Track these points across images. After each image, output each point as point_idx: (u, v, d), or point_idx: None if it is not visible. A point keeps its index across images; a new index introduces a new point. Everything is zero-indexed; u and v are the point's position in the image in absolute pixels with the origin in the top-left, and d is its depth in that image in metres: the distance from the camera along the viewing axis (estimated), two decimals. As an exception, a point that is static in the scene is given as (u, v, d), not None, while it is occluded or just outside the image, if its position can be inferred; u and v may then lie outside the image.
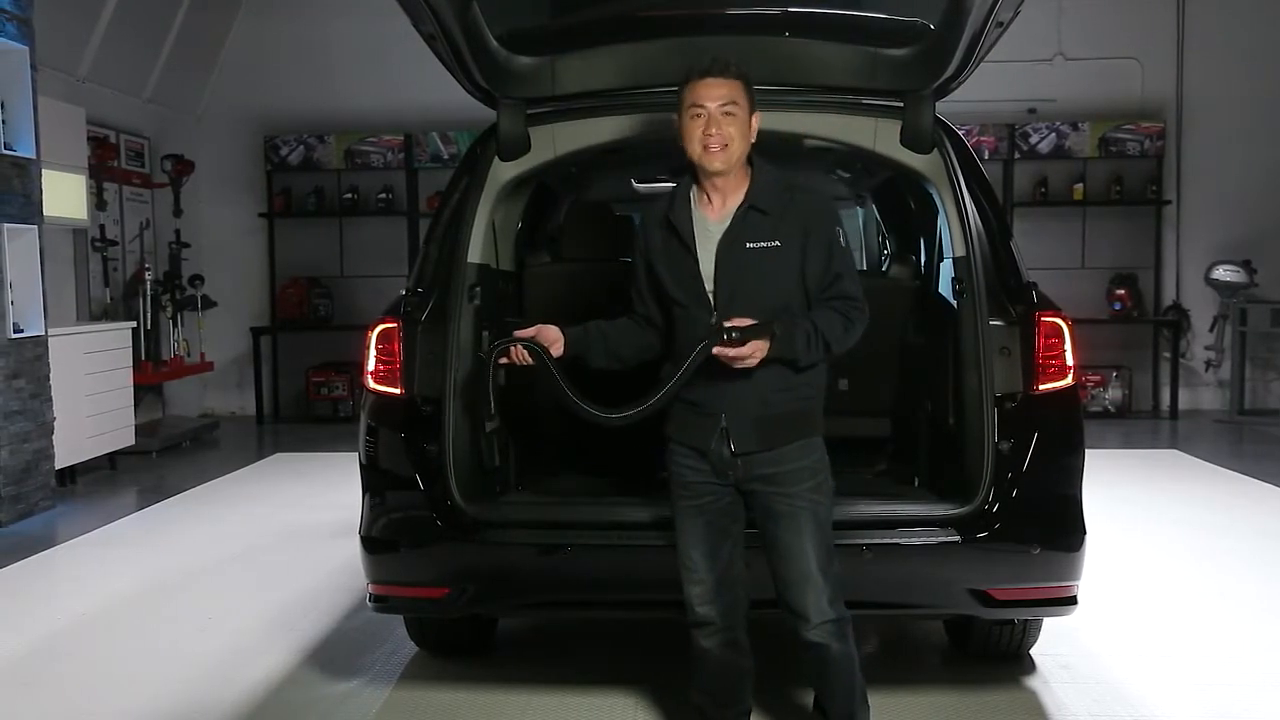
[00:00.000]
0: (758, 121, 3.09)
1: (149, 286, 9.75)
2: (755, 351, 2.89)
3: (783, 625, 3.12)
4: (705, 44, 3.83)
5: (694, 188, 3.13)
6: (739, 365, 2.90)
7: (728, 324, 2.89)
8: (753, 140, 3.08)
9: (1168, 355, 11.02)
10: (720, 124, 2.99)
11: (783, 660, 3.60)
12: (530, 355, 3.10)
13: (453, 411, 3.65)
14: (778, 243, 3.00)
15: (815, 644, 3.05)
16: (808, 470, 3.07)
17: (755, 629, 3.28)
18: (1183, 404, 10.92)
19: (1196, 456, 8.67)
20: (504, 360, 3.16)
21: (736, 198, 3.06)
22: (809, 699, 3.39)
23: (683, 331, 3.09)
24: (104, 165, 9.44)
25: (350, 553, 4.01)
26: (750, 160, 3.10)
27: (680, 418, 3.14)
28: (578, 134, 3.93)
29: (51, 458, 7.26)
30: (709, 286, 3.03)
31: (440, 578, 3.65)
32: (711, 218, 3.08)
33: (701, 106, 3.00)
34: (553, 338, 3.14)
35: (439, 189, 7.08)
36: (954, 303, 3.75)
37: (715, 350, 2.89)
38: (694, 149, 3.03)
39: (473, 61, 3.66)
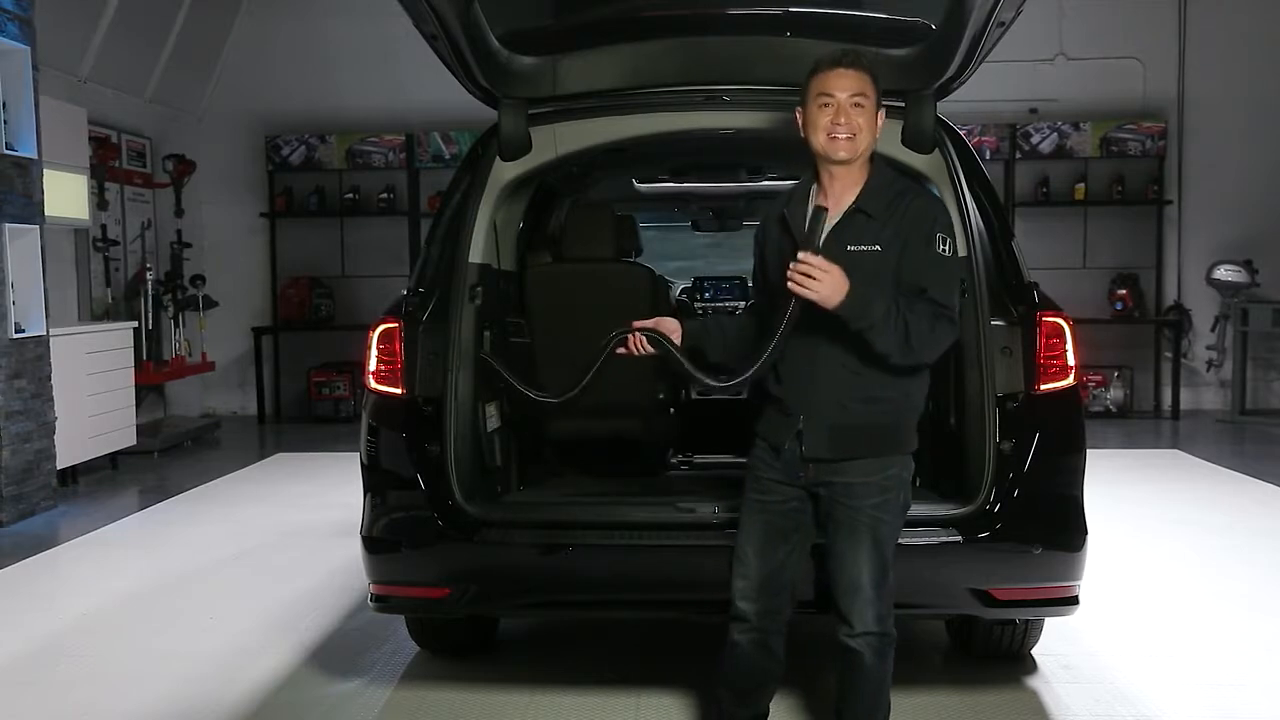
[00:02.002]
0: (882, 119, 3.07)
1: (150, 286, 9.76)
2: (829, 271, 2.75)
3: (814, 631, 3.11)
4: (707, 44, 3.84)
5: (814, 185, 3.11)
6: (808, 289, 2.76)
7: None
8: (876, 135, 3.04)
9: (1169, 355, 11.02)
10: (849, 114, 2.96)
11: (810, 669, 3.60)
12: (651, 344, 3.15)
13: (454, 411, 3.66)
14: (879, 247, 2.96)
15: (852, 650, 3.04)
16: (876, 487, 3.03)
17: (790, 635, 3.26)
18: (1184, 404, 10.92)
19: (1198, 456, 8.67)
20: (621, 350, 3.19)
21: (850, 196, 3.03)
22: (828, 715, 3.37)
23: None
24: (105, 165, 9.44)
25: (352, 553, 4.01)
26: (872, 160, 3.08)
27: (766, 414, 3.16)
28: (579, 134, 3.93)
29: (53, 458, 7.26)
30: None
31: (442, 578, 3.65)
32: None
33: (830, 95, 2.97)
34: (671, 329, 3.19)
35: (440, 189, 7.11)
36: (955, 303, 3.75)
37: (799, 258, 2.77)
38: (819, 138, 2.99)
39: (474, 61, 3.66)
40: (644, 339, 3.15)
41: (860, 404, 3.01)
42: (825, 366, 3.00)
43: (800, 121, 3.07)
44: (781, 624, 3.20)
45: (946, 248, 2.99)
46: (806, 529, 3.16)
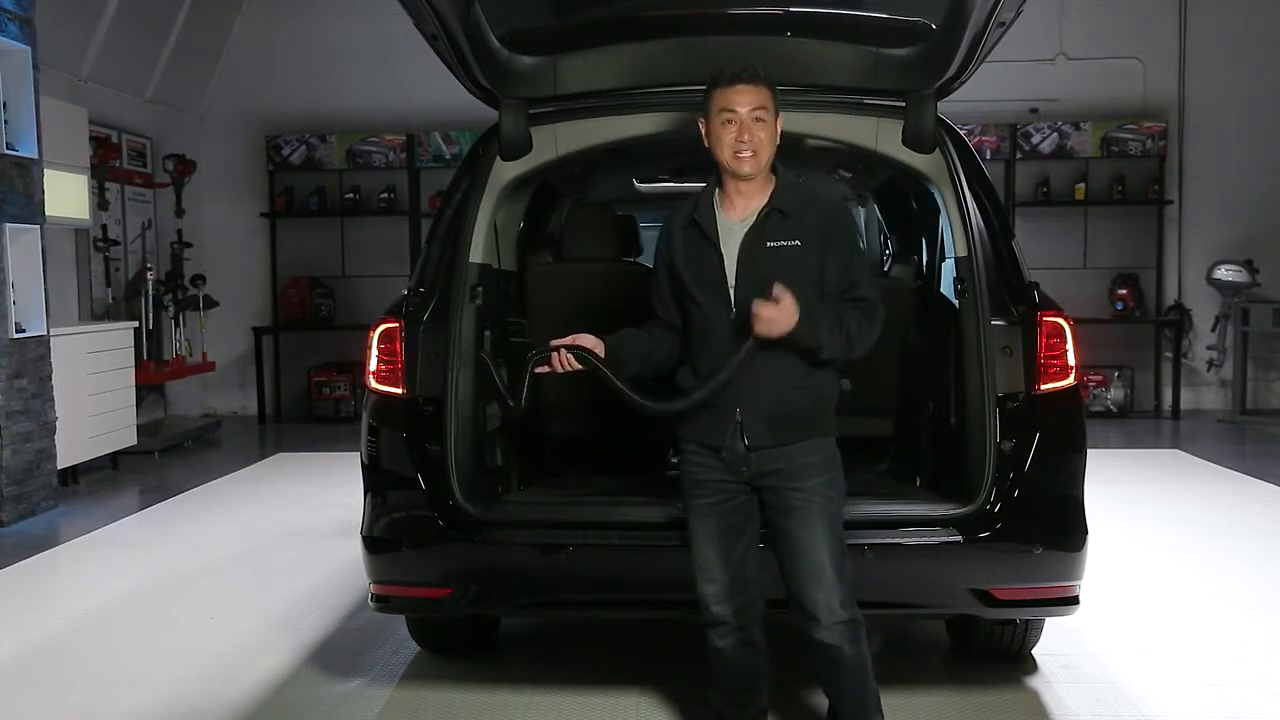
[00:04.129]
0: (781, 124, 3.14)
1: (151, 286, 9.75)
2: (788, 308, 2.88)
3: (797, 626, 3.12)
4: (707, 44, 3.84)
5: (717, 191, 3.17)
6: (770, 327, 2.90)
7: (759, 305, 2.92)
8: (777, 143, 3.11)
9: (1169, 355, 11.01)
10: (751, 129, 3.04)
11: (799, 662, 3.60)
12: (577, 360, 3.13)
13: (454, 411, 3.66)
14: (798, 242, 3.05)
15: (827, 645, 3.05)
16: (819, 466, 3.09)
17: (771, 630, 3.27)
18: (1184, 404, 10.91)
19: (1198, 456, 8.67)
20: (543, 369, 3.17)
21: (760, 200, 3.11)
22: (824, 702, 3.37)
23: (700, 332, 3.12)
24: (106, 165, 9.44)
25: (352, 552, 4.02)
26: (774, 167, 3.14)
27: (693, 417, 3.16)
28: (579, 134, 3.93)
29: (54, 457, 7.26)
30: (730, 283, 3.07)
31: (442, 577, 3.65)
32: (734, 219, 3.12)
33: (733, 112, 3.05)
34: (590, 344, 3.17)
35: (441, 189, 7.10)
36: (956, 303, 3.75)
37: (755, 308, 2.89)
38: (724, 154, 3.07)
39: (475, 61, 3.66)
40: (570, 356, 3.13)
41: (791, 391, 3.08)
42: (756, 359, 3.02)
43: (703, 132, 3.14)
44: (758, 617, 3.22)
45: (863, 244, 3.08)
46: (756, 520, 3.18)
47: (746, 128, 3.04)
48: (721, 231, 3.11)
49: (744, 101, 3.04)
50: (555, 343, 3.16)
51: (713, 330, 3.08)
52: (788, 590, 3.12)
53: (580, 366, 3.14)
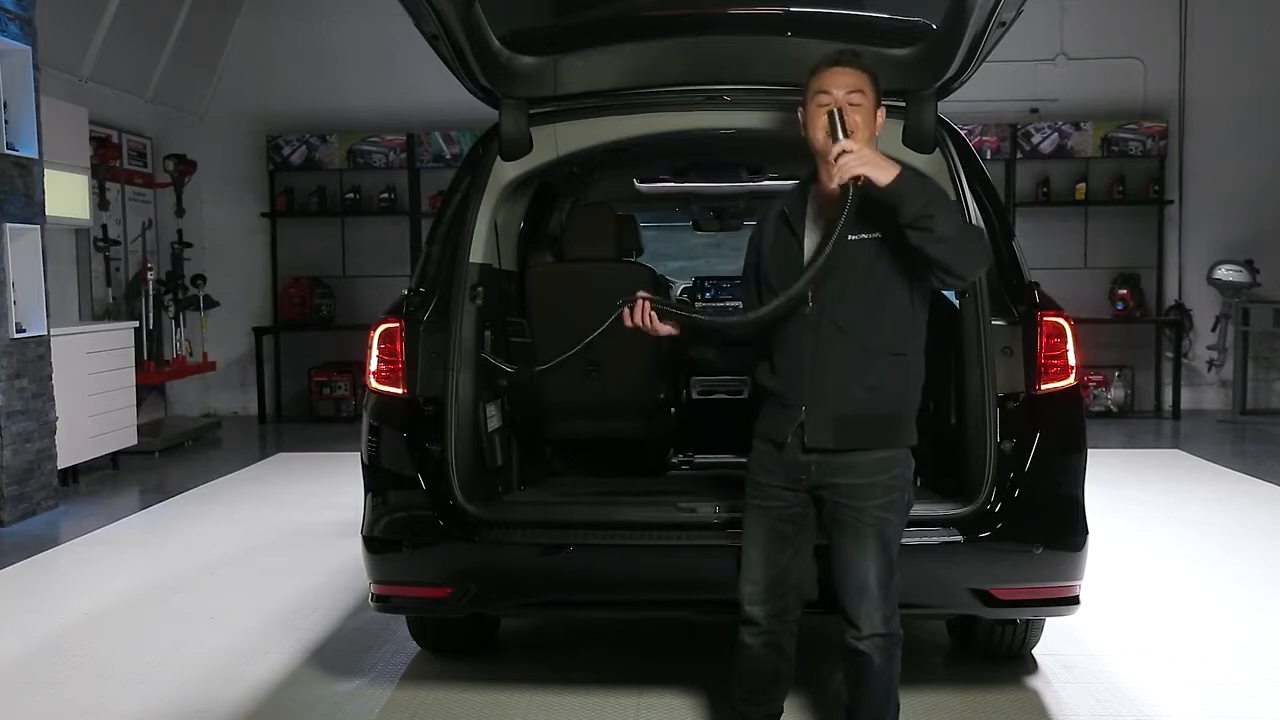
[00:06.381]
0: (883, 118, 3.09)
1: (151, 286, 9.76)
2: (861, 149, 2.84)
3: (824, 632, 3.11)
4: (707, 44, 3.84)
5: (813, 183, 3.13)
6: (852, 158, 2.84)
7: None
8: (876, 135, 3.06)
9: (1170, 355, 11.02)
10: (846, 111, 2.98)
11: (822, 668, 3.61)
12: (658, 315, 3.14)
13: (455, 411, 3.66)
14: (879, 234, 2.97)
15: (860, 652, 3.03)
16: (880, 487, 3.03)
17: (799, 633, 3.26)
18: (1185, 404, 10.92)
19: (1199, 456, 8.67)
20: (629, 325, 3.17)
21: None
22: (837, 714, 3.37)
23: (777, 325, 3.07)
24: (106, 165, 9.45)
25: (352, 552, 4.02)
26: None
27: (766, 412, 3.16)
28: (579, 134, 3.93)
29: (54, 457, 7.27)
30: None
31: (443, 577, 3.66)
32: (822, 210, 3.07)
33: (828, 94, 2.99)
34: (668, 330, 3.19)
35: (441, 189, 7.12)
36: (956, 303, 3.75)
37: (836, 147, 2.85)
38: (818, 135, 3.00)
39: (475, 61, 3.66)
40: (653, 314, 3.13)
41: (863, 392, 3.02)
42: (828, 355, 3.01)
43: (802, 121, 3.10)
44: (791, 624, 3.21)
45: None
46: (809, 530, 3.17)
47: (841, 108, 2.97)
48: (808, 222, 3.07)
49: (839, 83, 2.98)
50: (641, 295, 3.16)
51: (789, 322, 3.03)
52: (834, 593, 3.10)
53: (660, 329, 3.14)
